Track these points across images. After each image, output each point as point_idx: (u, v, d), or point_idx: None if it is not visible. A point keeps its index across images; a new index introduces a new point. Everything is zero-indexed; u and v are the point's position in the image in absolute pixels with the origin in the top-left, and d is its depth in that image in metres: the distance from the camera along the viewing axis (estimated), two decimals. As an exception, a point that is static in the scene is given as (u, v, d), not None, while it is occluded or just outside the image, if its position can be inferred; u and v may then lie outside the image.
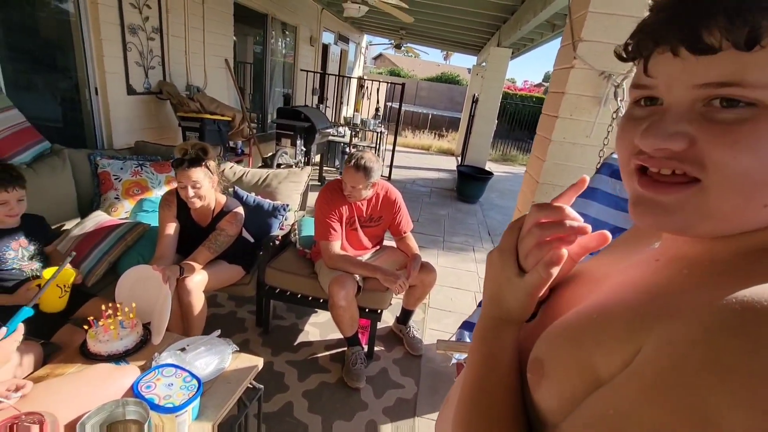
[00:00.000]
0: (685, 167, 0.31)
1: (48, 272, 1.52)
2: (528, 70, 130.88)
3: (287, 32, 6.12)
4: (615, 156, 1.46)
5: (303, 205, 2.70)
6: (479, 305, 1.58)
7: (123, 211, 2.34)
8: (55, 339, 1.50)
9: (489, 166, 6.50)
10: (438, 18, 5.57)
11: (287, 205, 2.42)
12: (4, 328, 0.98)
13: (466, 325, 1.57)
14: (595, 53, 1.60)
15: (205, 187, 1.80)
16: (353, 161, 1.91)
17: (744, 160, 0.28)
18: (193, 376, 1.14)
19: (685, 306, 0.29)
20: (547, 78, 29.97)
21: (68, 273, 1.49)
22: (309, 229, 2.42)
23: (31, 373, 1.25)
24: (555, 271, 0.39)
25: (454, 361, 1.63)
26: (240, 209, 1.98)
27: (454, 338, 1.62)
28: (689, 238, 0.35)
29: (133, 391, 1.05)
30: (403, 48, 8.57)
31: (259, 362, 1.38)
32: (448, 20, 5.68)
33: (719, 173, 0.29)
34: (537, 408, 0.39)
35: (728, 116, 0.29)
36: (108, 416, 0.99)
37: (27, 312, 1.03)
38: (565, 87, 1.68)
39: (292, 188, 2.58)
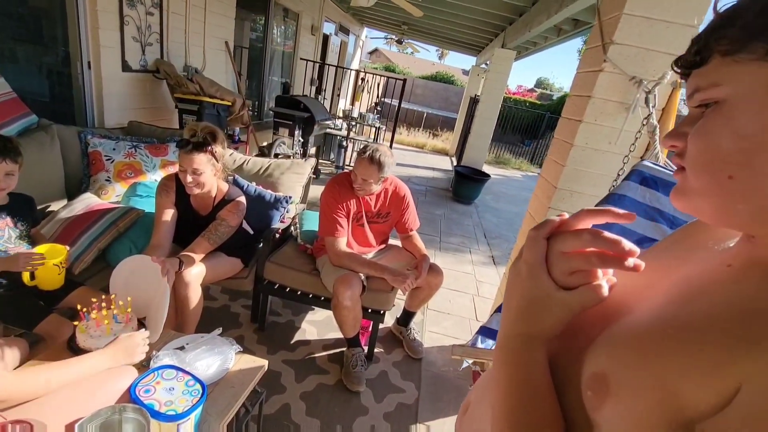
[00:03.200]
0: (679, 160, 0.37)
1: (41, 249, 1.41)
2: (520, 74, 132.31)
3: (288, 19, 5.95)
4: (646, 163, 1.41)
5: (305, 198, 2.59)
6: (497, 311, 1.53)
7: (114, 194, 2.20)
8: (38, 330, 1.37)
9: (484, 169, 6.48)
10: (443, 15, 5.49)
11: (290, 197, 2.32)
12: None
13: (484, 331, 1.51)
14: (627, 57, 1.54)
15: (207, 174, 1.69)
16: (368, 153, 1.83)
17: (696, 142, 0.35)
18: (197, 380, 1.05)
19: None
20: (539, 83, 30.25)
21: (60, 250, 1.47)
22: (310, 224, 2.33)
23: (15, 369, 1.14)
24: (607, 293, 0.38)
25: (465, 365, 1.56)
26: (242, 199, 1.87)
27: (469, 344, 1.55)
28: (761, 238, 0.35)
29: (131, 396, 0.95)
30: (403, 43, 8.47)
31: (264, 364, 1.29)
32: (453, 17, 5.60)
33: (689, 156, 0.35)
34: (595, 428, 0.35)
35: (705, 113, 0.35)
36: (103, 423, 0.89)
37: None
38: (592, 91, 1.62)
39: (294, 180, 2.47)
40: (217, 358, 1.24)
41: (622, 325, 0.37)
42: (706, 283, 0.35)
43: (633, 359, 0.33)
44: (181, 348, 1.25)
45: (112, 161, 2.24)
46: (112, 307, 1.27)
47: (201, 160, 1.64)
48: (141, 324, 1.32)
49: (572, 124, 1.77)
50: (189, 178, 1.65)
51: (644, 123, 1.49)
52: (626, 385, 0.32)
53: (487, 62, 7.06)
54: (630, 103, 1.58)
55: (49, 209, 1.97)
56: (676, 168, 0.38)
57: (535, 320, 0.40)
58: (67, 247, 1.49)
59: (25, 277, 1.37)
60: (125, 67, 2.82)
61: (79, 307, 1.23)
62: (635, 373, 0.32)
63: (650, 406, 0.30)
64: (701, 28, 0.40)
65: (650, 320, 0.35)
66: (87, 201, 1.94)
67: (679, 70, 0.38)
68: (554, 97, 17.22)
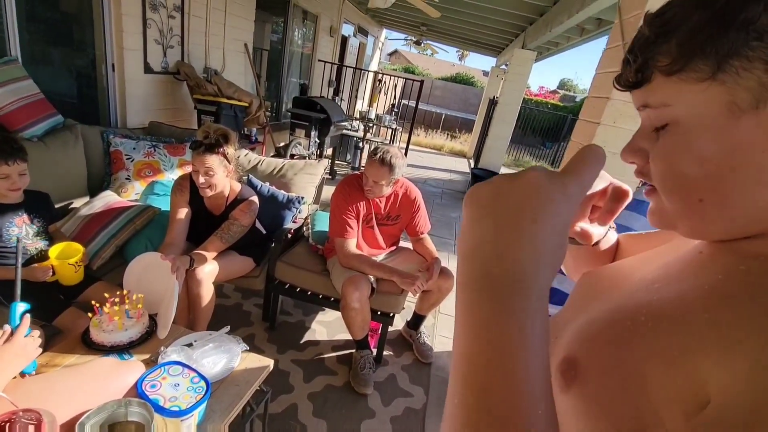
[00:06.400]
0: (646, 178, 0.36)
1: (54, 250, 1.46)
2: (542, 76, 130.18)
3: (307, 21, 6.02)
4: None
5: (317, 199, 2.61)
6: None
7: (133, 192, 2.26)
8: (57, 322, 1.42)
9: (502, 171, 6.39)
10: (463, 15, 5.44)
11: (302, 198, 2.33)
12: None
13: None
14: (647, 58, 1.49)
15: (219, 176, 1.72)
16: (378, 155, 1.82)
17: (659, 166, 0.33)
18: (202, 377, 1.06)
19: None
20: (562, 85, 29.64)
21: (76, 249, 1.51)
22: (322, 224, 2.34)
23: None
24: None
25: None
26: (255, 198, 1.90)
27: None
28: None
29: (137, 391, 0.97)
30: (422, 44, 8.45)
31: (269, 363, 1.30)
32: (472, 18, 5.55)
33: (655, 178, 0.34)
34: (560, 413, 0.33)
35: (660, 134, 0.33)
36: (109, 416, 0.91)
37: (25, 306, 0.95)
38: (611, 92, 1.57)
39: (307, 180, 2.49)
40: (223, 356, 1.26)
41: (597, 311, 0.37)
42: (680, 269, 0.35)
43: (602, 344, 0.33)
44: (189, 345, 1.27)
45: (132, 160, 2.30)
46: (126, 302, 1.30)
47: (213, 161, 1.67)
48: (152, 320, 1.35)
49: (590, 126, 1.72)
50: (202, 179, 1.68)
51: (664, 126, 1.43)
52: (594, 369, 0.33)
53: (507, 63, 6.96)
54: (650, 106, 1.53)
55: (71, 206, 2.04)
56: (647, 187, 0.38)
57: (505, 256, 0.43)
58: (83, 247, 1.53)
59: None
60: (147, 69, 2.90)
61: (93, 302, 1.27)
62: (603, 356, 0.32)
63: (613, 389, 0.31)
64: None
65: (624, 306, 0.35)
66: (107, 199, 2.00)
67: (621, 89, 0.36)
68: (577, 99, 16.85)
